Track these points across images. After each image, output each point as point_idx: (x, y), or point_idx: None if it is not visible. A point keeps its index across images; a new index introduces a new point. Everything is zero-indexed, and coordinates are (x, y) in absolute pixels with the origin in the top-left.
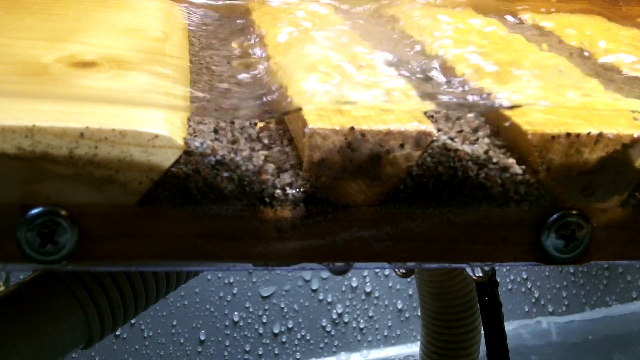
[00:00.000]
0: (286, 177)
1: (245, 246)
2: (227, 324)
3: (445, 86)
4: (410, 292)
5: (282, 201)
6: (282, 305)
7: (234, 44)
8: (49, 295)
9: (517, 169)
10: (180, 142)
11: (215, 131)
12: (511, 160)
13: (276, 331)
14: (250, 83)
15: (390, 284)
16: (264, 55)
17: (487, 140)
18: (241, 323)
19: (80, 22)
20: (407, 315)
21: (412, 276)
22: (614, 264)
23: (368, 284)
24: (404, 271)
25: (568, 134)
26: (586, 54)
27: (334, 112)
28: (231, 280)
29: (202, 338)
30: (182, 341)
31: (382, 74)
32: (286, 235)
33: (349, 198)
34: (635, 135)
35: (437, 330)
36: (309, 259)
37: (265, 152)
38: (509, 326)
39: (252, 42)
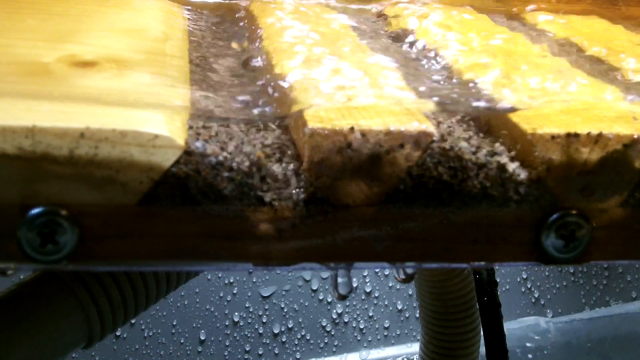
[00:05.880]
0: (286, 177)
1: (245, 246)
2: (227, 323)
3: (445, 86)
4: (410, 292)
5: (282, 201)
6: (282, 305)
7: (235, 45)
8: (49, 295)
9: (517, 169)
10: (181, 142)
11: (216, 131)
12: (511, 160)
13: (276, 331)
14: (250, 83)
15: (390, 284)
16: (264, 55)
17: (486, 140)
18: (241, 323)
19: (81, 22)
20: (407, 315)
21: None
22: (614, 264)
23: (368, 284)
24: (404, 277)
25: (568, 134)
26: (586, 54)
27: (334, 112)
28: (231, 280)
29: (202, 338)
30: (182, 341)
31: (382, 74)
32: (286, 235)
33: (349, 198)
34: (635, 135)
35: (436, 330)
36: (309, 259)
37: (265, 152)
38: (508, 326)
39: (253, 42)
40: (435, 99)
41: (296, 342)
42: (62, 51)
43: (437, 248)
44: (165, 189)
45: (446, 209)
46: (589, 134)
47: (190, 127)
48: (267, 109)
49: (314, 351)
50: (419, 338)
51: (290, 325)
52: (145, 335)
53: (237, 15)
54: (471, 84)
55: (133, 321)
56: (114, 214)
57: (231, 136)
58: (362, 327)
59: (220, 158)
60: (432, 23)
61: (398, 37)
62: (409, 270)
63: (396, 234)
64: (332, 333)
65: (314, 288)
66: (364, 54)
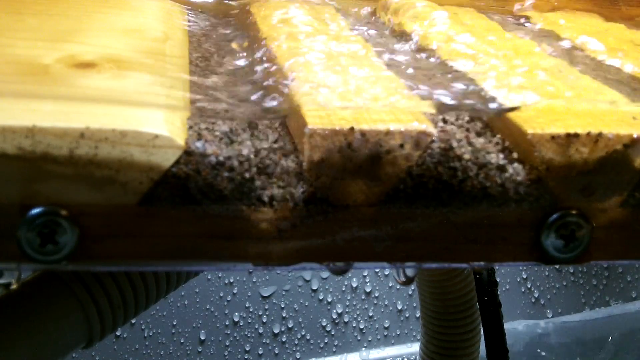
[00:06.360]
0: (286, 177)
1: (245, 246)
2: (227, 323)
3: (445, 86)
4: (410, 292)
5: (282, 201)
6: (282, 305)
7: (234, 45)
8: (49, 295)
9: (517, 169)
10: (181, 142)
11: (216, 131)
12: (511, 160)
13: (276, 331)
14: (250, 83)
15: (390, 284)
16: (264, 55)
17: (486, 140)
18: (241, 323)
19: (81, 22)
20: (407, 315)
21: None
22: (614, 264)
23: (368, 284)
24: (404, 279)
25: (568, 134)
26: (586, 53)
27: (334, 112)
28: (231, 280)
29: (202, 338)
30: (182, 341)
31: (382, 73)
32: (286, 235)
33: (349, 198)
34: (635, 135)
35: (437, 330)
36: (309, 259)
37: (265, 152)
38: (509, 326)
39: (253, 42)
40: (435, 98)
41: (296, 342)
42: (62, 51)
43: (437, 248)
44: (165, 189)
45: (446, 209)
46: (589, 134)
47: (190, 127)
48: (267, 108)
49: (314, 351)
50: (419, 338)
51: (290, 325)
52: (145, 335)
53: (237, 16)
54: (471, 84)
55: (133, 321)
56: (114, 214)
57: (231, 136)
58: (362, 327)
59: (221, 158)
60: (432, 22)
61: (398, 36)
62: (409, 272)
63: (396, 234)
64: (332, 333)
65: (314, 288)
66: (364, 54)
